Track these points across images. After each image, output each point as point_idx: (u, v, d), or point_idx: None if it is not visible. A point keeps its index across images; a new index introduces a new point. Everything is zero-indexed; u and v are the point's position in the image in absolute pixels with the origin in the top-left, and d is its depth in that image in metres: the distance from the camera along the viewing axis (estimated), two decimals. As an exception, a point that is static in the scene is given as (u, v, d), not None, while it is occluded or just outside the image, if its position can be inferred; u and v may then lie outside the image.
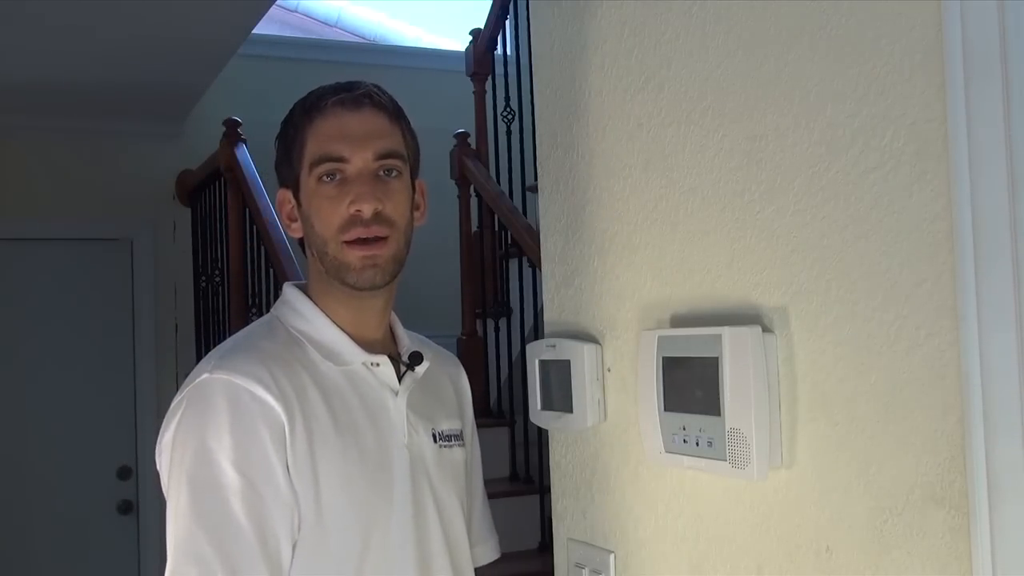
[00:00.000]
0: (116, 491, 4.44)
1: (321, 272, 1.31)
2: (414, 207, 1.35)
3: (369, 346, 1.33)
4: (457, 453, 1.41)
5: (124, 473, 4.44)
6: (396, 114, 1.33)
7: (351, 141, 1.27)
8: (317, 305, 1.33)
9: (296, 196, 1.33)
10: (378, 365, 1.32)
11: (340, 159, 1.27)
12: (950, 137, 0.79)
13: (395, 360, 1.35)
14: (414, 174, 1.36)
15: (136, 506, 4.45)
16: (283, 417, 1.21)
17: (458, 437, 1.42)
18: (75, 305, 4.44)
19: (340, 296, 1.31)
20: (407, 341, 1.40)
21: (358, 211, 1.25)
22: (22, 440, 4.31)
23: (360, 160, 1.27)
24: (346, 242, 1.27)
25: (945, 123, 0.80)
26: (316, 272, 1.33)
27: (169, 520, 1.21)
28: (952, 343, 0.81)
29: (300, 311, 1.33)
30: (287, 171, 1.34)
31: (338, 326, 1.32)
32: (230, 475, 1.18)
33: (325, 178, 1.27)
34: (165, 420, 1.26)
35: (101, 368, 4.48)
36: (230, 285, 3.98)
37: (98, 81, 3.89)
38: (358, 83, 1.32)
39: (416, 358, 1.36)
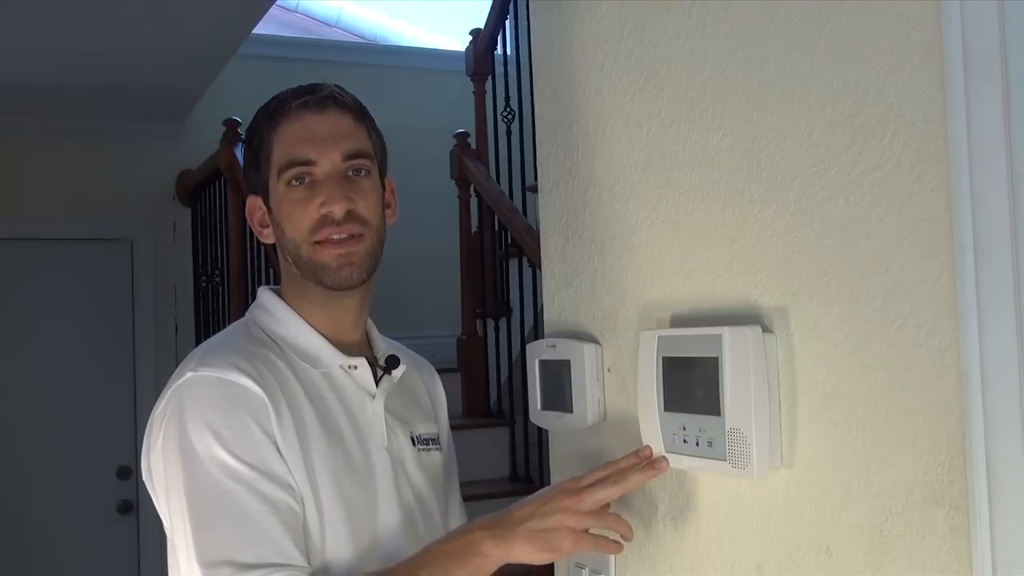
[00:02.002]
0: (116, 491, 4.44)
1: (296, 275, 1.31)
2: (385, 205, 1.35)
3: (346, 349, 1.32)
4: (435, 457, 1.41)
5: (124, 473, 4.44)
6: (361, 113, 1.32)
7: (318, 143, 1.27)
8: (292, 308, 1.32)
9: (266, 202, 1.32)
10: (355, 368, 1.32)
11: (308, 162, 1.26)
12: (950, 137, 0.79)
13: (372, 364, 1.35)
14: (383, 172, 1.36)
15: (136, 506, 4.45)
16: (267, 402, 1.20)
17: (435, 441, 1.42)
18: (75, 305, 4.44)
19: (316, 298, 1.31)
20: (382, 345, 1.40)
21: (328, 212, 1.25)
22: (22, 440, 4.31)
23: (328, 162, 1.26)
24: (318, 242, 1.26)
25: (945, 123, 0.80)
26: (290, 276, 1.32)
27: (178, 523, 1.19)
28: (952, 343, 0.81)
29: (275, 315, 1.33)
30: (255, 178, 1.33)
31: (314, 329, 1.31)
32: (230, 465, 1.16)
33: (294, 182, 1.27)
34: (151, 423, 1.25)
35: (101, 368, 4.48)
36: (230, 285, 3.98)
37: (98, 81, 3.89)
38: (321, 85, 1.31)
39: (393, 361, 1.36)
